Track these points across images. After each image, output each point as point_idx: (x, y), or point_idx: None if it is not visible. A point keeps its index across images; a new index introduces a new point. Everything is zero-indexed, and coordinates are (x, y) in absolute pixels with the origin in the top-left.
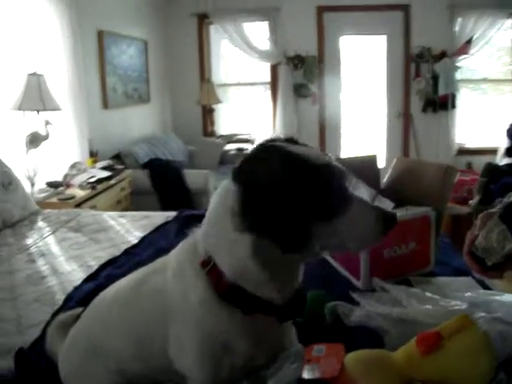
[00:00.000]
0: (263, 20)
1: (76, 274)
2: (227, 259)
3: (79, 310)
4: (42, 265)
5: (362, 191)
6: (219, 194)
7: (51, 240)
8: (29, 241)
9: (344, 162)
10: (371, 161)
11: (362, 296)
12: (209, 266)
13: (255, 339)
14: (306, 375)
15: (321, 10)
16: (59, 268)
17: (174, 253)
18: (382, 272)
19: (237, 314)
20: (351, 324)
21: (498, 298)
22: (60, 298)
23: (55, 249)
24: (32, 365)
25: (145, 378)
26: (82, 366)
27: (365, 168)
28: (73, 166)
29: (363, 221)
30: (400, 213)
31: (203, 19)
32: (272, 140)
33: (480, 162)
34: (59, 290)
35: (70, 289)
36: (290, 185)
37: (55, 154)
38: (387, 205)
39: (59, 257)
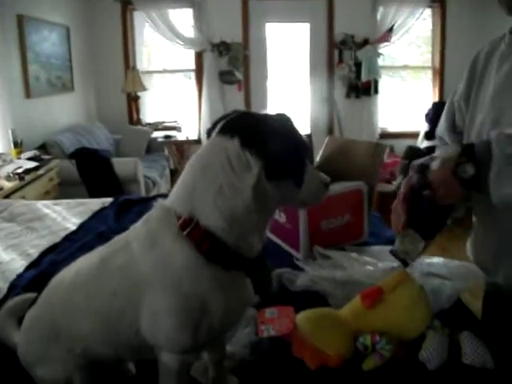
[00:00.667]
0: (188, 7)
1: (16, 263)
2: (217, 211)
3: (27, 295)
4: None
5: None
6: (205, 152)
7: None
8: None
9: None
10: (308, 138)
11: (305, 263)
12: (191, 226)
13: (231, 295)
14: (261, 335)
15: None
16: None
17: (137, 227)
18: (319, 243)
19: (217, 270)
20: (297, 289)
21: (427, 260)
22: (3, 286)
23: None
24: None
25: (111, 359)
26: (44, 350)
27: None
28: None
29: (316, 179)
30: (334, 187)
31: (127, 5)
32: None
33: (401, 146)
34: (1, 278)
35: (12, 277)
36: (286, 134)
37: None
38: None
39: None
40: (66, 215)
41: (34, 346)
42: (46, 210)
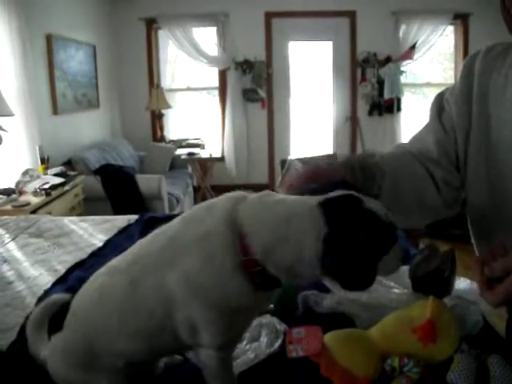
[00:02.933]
0: (212, 25)
1: (44, 278)
2: (285, 267)
3: (46, 302)
4: (6, 271)
5: None
6: (301, 214)
7: (12, 246)
8: None
9: (309, 160)
10: (332, 159)
11: (332, 283)
12: (255, 269)
13: (259, 303)
14: (290, 355)
15: (269, 16)
16: (25, 273)
17: (195, 241)
18: None
19: (254, 289)
20: (323, 311)
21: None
22: (31, 301)
23: (18, 254)
24: (15, 365)
25: (152, 360)
26: (82, 369)
27: None
28: (25, 173)
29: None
30: None
31: (151, 24)
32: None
33: None
34: (28, 294)
35: (39, 293)
36: (370, 243)
37: (4, 160)
38: None
39: (23, 262)
40: (92, 232)
41: (70, 368)
42: (73, 226)
